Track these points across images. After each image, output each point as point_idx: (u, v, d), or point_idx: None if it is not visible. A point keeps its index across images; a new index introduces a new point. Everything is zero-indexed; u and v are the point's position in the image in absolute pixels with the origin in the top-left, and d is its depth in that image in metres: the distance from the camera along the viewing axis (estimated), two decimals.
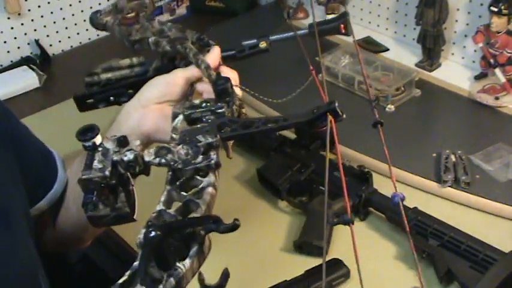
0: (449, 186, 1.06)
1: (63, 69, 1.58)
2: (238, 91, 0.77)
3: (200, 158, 0.60)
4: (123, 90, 0.89)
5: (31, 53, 1.59)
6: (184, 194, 0.58)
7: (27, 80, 1.49)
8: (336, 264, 0.92)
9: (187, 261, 0.52)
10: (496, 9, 1.23)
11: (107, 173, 0.58)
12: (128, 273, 0.51)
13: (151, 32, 0.87)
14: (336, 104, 0.60)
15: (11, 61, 1.57)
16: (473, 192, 1.05)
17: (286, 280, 0.90)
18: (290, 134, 1.19)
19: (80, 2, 1.65)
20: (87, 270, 1.33)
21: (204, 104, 0.68)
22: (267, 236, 1.02)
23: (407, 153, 1.16)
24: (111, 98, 0.90)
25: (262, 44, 0.92)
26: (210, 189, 0.59)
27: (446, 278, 0.89)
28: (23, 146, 0.82)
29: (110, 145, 0.60)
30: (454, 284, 0.90)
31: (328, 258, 0.94)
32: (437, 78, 1.38)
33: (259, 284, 0.90)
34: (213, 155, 0.60)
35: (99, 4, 1.69)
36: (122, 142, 0.61)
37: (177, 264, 0.51)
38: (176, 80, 0.81)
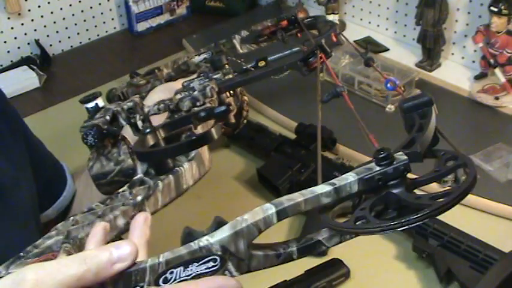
0: (449, 186, 1.06)
1: (63, 69, 1.58)
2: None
3: (196, 92, 0.61)
4: None
5: (31, 53, 1.59)
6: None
7: (27, 80, 1.49)
8: (336, 264, 0.92)
9: (185, 164, 0.53)
10: (496, 9, 1.23)
11: (107, 117, 0.59)
12: (127, 185, 0.53)
13: (160, 82, 0.92)
14: (323, 41, 0.62)
15: (11, 61, 1.56)
16: (473, 192, 1.04)
17: (286, 280, 0.90)
18: (290, 134, 1.19)
19: (80, 2, 1.65)
20: None
21: (202, 74, 0.70)
22: (266, 236, 1.02)
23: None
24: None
25: (261, 64, 0.94)
26: (208, 88, 0.60)
27: (446, 278, 0.89)
28: (36, 150, 0.85)
29: (112, 106, 0.62)
30: (454, 284, 0.90)
31: (328, 258, 0.94)
32: (437, 78, 1.38)
33: (259, 284, 0.90)
34: (209, 88, 0.61)
35: (99, 4, 1.69)
36: (123, 97, 0.62)
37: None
38: (179, 85, 0.83)
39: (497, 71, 1.28)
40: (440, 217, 0.98)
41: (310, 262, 0.93)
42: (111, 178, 0.58)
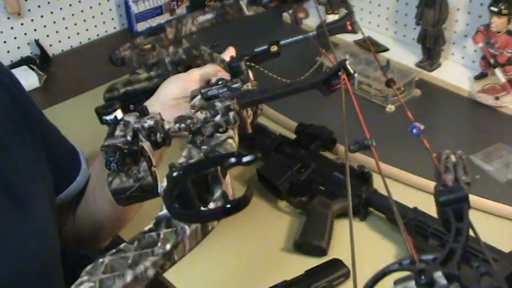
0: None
1: (63, 69, 1.58)
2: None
3: (219, 116, 0.62)
4: (142, 97, 0.93)
5: (31, 53, 1.59)
6: (205, 147, 0.59)
7: (27, 80, 1.48)
8: (336, 264, 0.92)
9: (211, 205, 0.52)
10: (496, 9, 1.23)
11: (129, 137, 0.59)
12: (153, 221, 0.51)
13: (167, 54, 0.92)
14: (347, 62, 0.62)
15: (11, 61, 1.56)
16: (473, 192, 1.05)
17: (286, 280, 0.90)
18: (290, 134, 1.19)
19: (79, 2, 1.65)
20: None
21: (220, 82, 0.70)
22: (267, 236, 1.02)
23: (407, 153, 1.16)
24: (131, 106, 0.93)
25: (273, 48, 0.95)
26: (230, 141, 0.60)
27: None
28: (51, 135, 0.87)
29: (131, 118, 0.62)
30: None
31: (328, 258, 0.94)
32: (437, 78, 1.38)
33: (259, 284, 0.90)
34: (233, 114, 0.62)
35: (99, 4, 1.69)
36: (142, 112, 0.62)
37: (202, 208, 0.52)
38: (192, 77, 0.86)
39: (497, 71, 1.28)
40: None
41: (310, 262, 0.93)
42: (130, 194, 0.59)
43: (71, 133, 0.94)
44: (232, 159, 0.52)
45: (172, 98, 0.85)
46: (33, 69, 1.51)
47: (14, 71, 1.51)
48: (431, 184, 1.07)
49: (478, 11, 1.35)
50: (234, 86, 0.69)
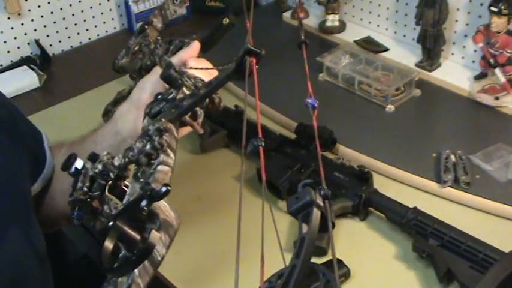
0: (449, 186, 1.06)
1: (63, 69, 1.58)
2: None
3: (149, 144, 0.63)
4: None
5: (31, 53, 1.59)
6: (142, 180, 0.60)
7: (27, 80, 1.49)
8: (336, 264, 0.92)
9: (154, 235, 0.53)
10: (496, 9, 1.23)
11: (85, 188, 0.62)
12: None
13: (146, 57, 0.93)
14: (249, 45, 0.62)
15: (11, 61, 1.56)
16: (473, 192, 1.05)
17: None
18: (290, 134, 1.19)
19: (80, 2, 1.65)
20: (87, 270, 1.33)
21: (159, 96, 0.72)
22: (267, 236, 1.02)
23: (407, 153, 1.16)
24: None
25: (226, 21, 0.96)
26: (160, 168, 0.61)
27: (446, 278, 0.89)
28: (19, 129, 0.84)
29: (89, 165, 0.65)
30: (454, 284, 0.90)
31: (328, 258, 0.94)
32: (437, 78, 1.38)
33: (259, 284, 0.90)
34: (158, 138, 0.63)
35: (99, 4, 1.69)
36: (93, 158, 0.65)
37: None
38: (156, 76, 0.83)
39: (497, 71, 1.28)
40: (441, 217, 0.98)
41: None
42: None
43: (71, 133, 0.94)
44: (143, 203, 0.53)
45: (145, 103, 0.81)
46: (33, 69, 1.51)
47: (14, 71, 1.52)
48: (431, 184, 1.08)
49: (478, 11, 1.35)
50: (169, 97, 0.71)
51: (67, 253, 1.34)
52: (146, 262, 0.52)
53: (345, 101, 1.32)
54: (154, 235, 0.52)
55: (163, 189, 0.54)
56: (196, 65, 0.83)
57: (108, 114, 0.99)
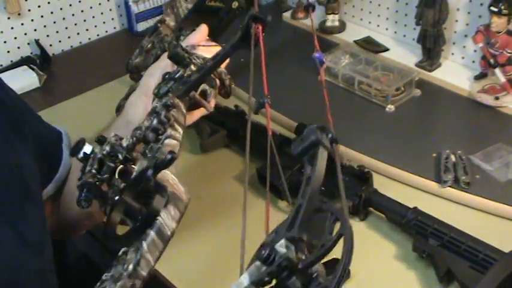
0: (449, 186, 1.06)
1: (63, 69, 1.58)
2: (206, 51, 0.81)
3: (155, 120, 0.62)
4: None
5: (31, 53, 1.59)
6: (149, 155, 0.60)
7: (27, 80, 1.49)
8: (336, 264, 0.92)
9: (163, 210, 0.52)
10: (496, 9, 1.23)
11: (93, 170, 0.60)
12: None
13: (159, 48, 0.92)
14: (253, 12, 0.61)
15: (11, 61, 1.56)
16: (473, 192, 1.05)
17: None
18: (290, 134, 1.19)
19: (80, 2, 1.65)
20: (87, 270, 1.33)
21: (166, 76, 0.71)
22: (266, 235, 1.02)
23: (407, 153, 1.16)
24: None
25: (235, 5, 0.97)
26: (167, 141, 0.60)
27: (446, 278, 0.89)
28: (39, 134, 0.84)
29: (97, 149, 0.63)
30: (454, 284, 0.90)
31: (328, 259, 0.94)
32: (437, 78, 1.38)
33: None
34: (164, 112, 0.63)
35: (99, 4, 1.69)
36: (101, 141, 0.64)
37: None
38: (168, 62, 0.83)
39: (497, 71, 1.28)
40: (441, 217, 0.98)
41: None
42: None
43: (71, 133, 0.94)
44: (149, 172, 0.52)
45: None
46: (33, 69, 1.51)
47: (14, 71, 1.52)
48: (431, 184, 1.08)
49: (478, 11, 1.35)
50: (177, 76, 0.70)
51: (67, 253, 1.34)
52: (155, 237, 0.51)
53: (345, 101, 1.32)
54: (158, 200, 0.52)
55: (168, 156, 0.53)
56: (205, 45, 0.83)
57: (121, 108, 0.99)
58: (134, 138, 0.63)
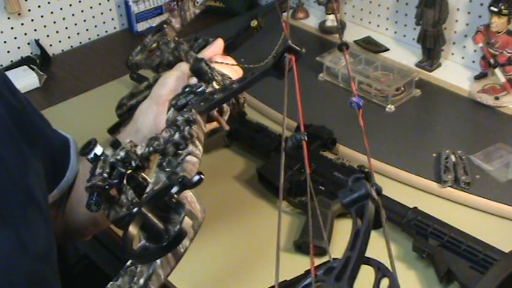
0: (449, 186, 1.06)
1: (63, 69, 1.58)
2: (225, 70, 0.80)
3: (177, 134, 0.62)
4: None
5: (31, 53, 1.59)
6: (168, 169, 0.59)
7: (27, 80, 1.48)
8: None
9: (177, 227, 0.52)
10: (496, 9, 1.23)
11: (105, 174, 0.60)
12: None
13: (168, 52, 0.92)
14: (289, 41, 0.61)
15: (11, 61, 1.56)
16: (473, 192, 1.05)
17: (286, 280, 0.90)
18: (290, 134, 1.19)
19: (80, 2, 1.65)
20: (87, 270, 1.33)
21: (187, 89, 0.70)
22: (266, 235, 1.02)
23: (407, 153, 1.16)
24: None
25: (254, 23, 0.97)
26: (188, 158, 0.60)
27: (446, 278, 0.89)
28: (45, 135, 0.85)
29: (109, 152, 0.63)
30: (454, 284, 0.90)
31: (328, 259, 0.94)
32: (437, 78, 1.38)
33: (259, 284, 0.90)
34: (188, 128, 0.62)
35: (99, 4, 1.69)
36: (115, 144, 0.63)
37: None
38: (182, 72, 0.83)
39: (497, 71, 1.28)
40: (441, 217, 0.98)
41: (310, 262, 0.93)
42: (128, 220, 0.60)
43: (71, 133, 0.94)
44: (174, 190, 0.52)
45: (166, 99, 0.81)
46: (33, 69, 1.51)
47: (14, 71, 1.52)
48: (431, 184, 1.08)
49: (478, 11, 1.35)
50: (198, 90, 0.69)
51: (67, 253, 1.34)
52: (169, 254, 0.51)
53: (345, 101, 1.32)
54: (187, 221, 0.52)
55: (196, 177, 0.53)
56: (222, 61, 0.83)
57: (122, 107, 0.98)
58: (151, 148, 0.62)
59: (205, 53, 0.87)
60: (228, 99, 0.70)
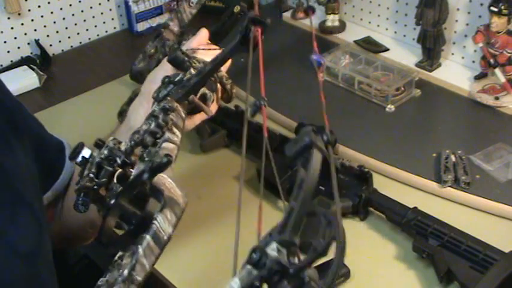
0: (449, 186, 1.06)
1: (63, 69, 1.58)
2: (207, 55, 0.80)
3: (153, 123, 0.62)
4: None
5: (31, 53, 1.59)
6: (147, 159, 0.59)
7: (27, 80, 1.48)
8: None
9: (158, 217, 0.52)
10: (496, 9, 1.23)
11: (91, 175, 0.60)
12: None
13: (162, 53, 0.93)
14: (252, 14, 0.61)
15: (11, 61, 1.56)
16: (473, 192, 1.05)
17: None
18: (290, 134, 1.19)
19: (80, 2, 1.65)
20: (87, 270, 1.33)
21: (166, 80, 0.71)
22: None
23: (407, 153, 1.16)
24: None
25: (237, 9, 0.97)
26: (164, 145, 0.60)
27: (446, 278, 0.89)
28: (39, 136, 0.85)
29: (96, 153, 0.63)
30: (454, 284, 0.90)
31: (327, 259, 0.94)
32: (437, 78, 1.38)
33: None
34: (162, 115, 0.63)
35: (99, 4, 1.69)
36: (100, 145, 0.63)
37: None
38: (169, 66, 0.83)
39: (497, 71, 1.28)
40: (441, 217, 0.98)
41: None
42: None
43: (71, 133, 0.94)
44: (145, 175, 0.52)
45: None
46: (33, 69, 1.51)
47: (14, 71, 1.52)
48: (431, 184, 1.08)
49: (478, 11, 1.35)
50: (176, 79, 0.70)
51: (67, 253, 1.34)
52: (151, 241, 0.51)
53: (345, 101, 1.32)
54: (152, 203, 0.51)
55: (164, 159, 0.53)
56: (204, 48, 0.83)
57: (123, 113, 0.99)
58: (132, 142, 0.62)
59: (191, 44, 0.88)
60: (203, 81, 0.70)
